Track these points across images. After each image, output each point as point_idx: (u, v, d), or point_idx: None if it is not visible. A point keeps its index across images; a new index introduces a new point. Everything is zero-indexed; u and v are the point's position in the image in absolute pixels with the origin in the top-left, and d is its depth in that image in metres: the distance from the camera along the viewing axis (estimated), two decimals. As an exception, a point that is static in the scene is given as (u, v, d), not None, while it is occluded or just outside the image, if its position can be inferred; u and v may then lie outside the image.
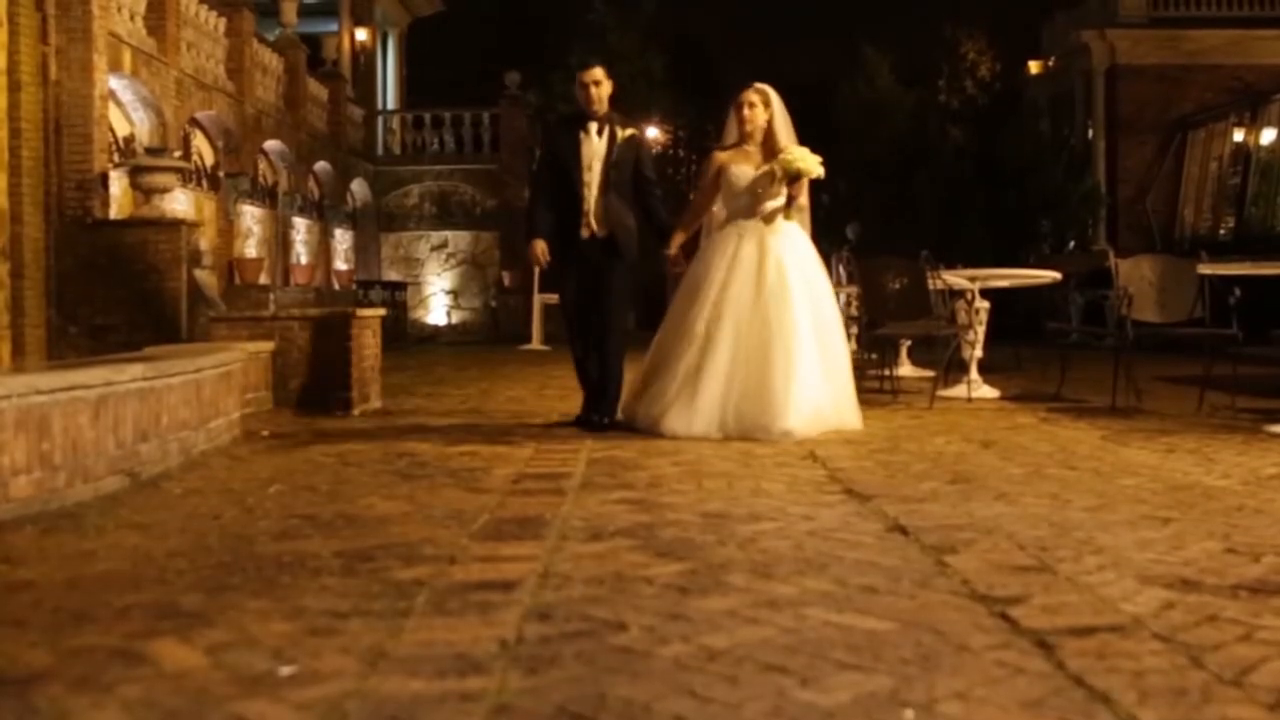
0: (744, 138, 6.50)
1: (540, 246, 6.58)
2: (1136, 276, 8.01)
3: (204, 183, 15.81)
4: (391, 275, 23.16)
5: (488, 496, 4.28)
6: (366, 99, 23.98)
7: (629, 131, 6.68)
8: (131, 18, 13.20)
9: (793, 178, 6.28)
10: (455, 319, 23.57)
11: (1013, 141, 23.23)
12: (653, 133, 24.70)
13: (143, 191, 11.68)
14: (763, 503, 4.13)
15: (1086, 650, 2.34)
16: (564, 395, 8.38)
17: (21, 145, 10.66)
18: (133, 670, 2.27)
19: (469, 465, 5.17)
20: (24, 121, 10.67)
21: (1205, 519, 3.79)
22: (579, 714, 2.02)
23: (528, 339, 18.36)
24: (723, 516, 3.86)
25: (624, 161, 6.58)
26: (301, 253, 19.50)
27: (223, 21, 16.08)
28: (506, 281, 22.46)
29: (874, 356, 9.57)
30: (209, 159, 16.22)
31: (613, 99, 6.69)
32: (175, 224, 11.28)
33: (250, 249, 17.08)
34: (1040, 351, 10.21)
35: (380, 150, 23.79)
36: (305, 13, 20.79)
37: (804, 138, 6.60)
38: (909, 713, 2.02)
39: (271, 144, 18.14)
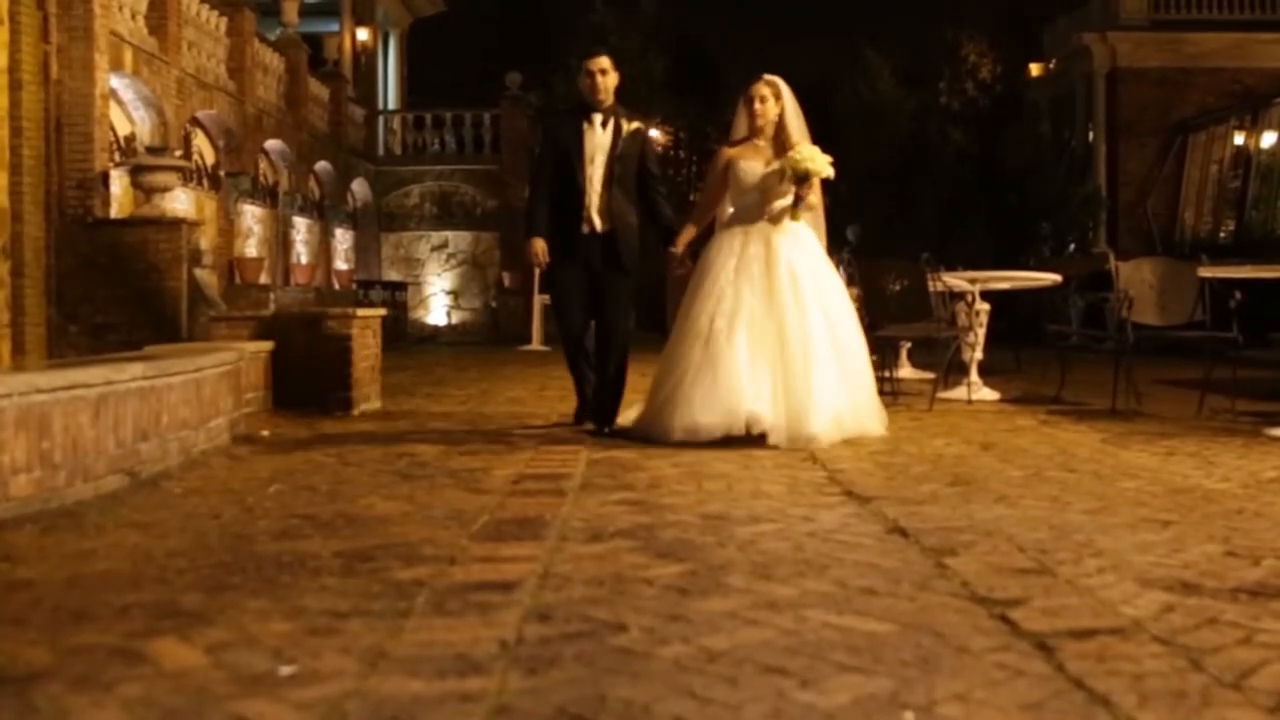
0: (754, 132, 6.23)
1: (539, 245, 6.38)
2: (1137, 279, 8.01)
3: (205, 182, 15.81)
4: (392, 275, 23.17)
5: (488, 497, 4.28)
6: (367, 99, 23.99)
7: (634, 125, 6.46)
8: (133, 17, 13.21)
9: (801, 178, 6.00)
10: (455, 319, 23.57)
11: (1013, 144, 23.25)
12: (653, 134, 24.71)
13: (143, 190, 11.69)
14: (763, 504, 4.13)
15: (1086, 653, 2.34)
16: (564, 396, 8.37)
17: (22, 144, 10.67)
18: (132, 669, 2.27)
19: (469, 466, 5.17)
20: (25, 120, 10.68)
21: (1205, 522, 3.79)
22: (579, 715, 2.02)
23: (528, 340, 18.37)
24: (723, 518, 3.86)
25: (628, 155, 6.37)
26: (302, 252, 19.51)
27: (224, 21, 16.09)
28: (507, 282, 22.47)
29: (874, 358, 9.56)
30: (210, 158, 16.22)
31: (617, 92, 6.48)
32: (176, 223, 11.29)
33: (251, 248, 17.09)
34: (1040, 354, 10.21)
35: (381, 150, 23.81)
36: (306, 12, 20.81)
37: (806, 138, 6.48)
38: (909, 715, 2.02)
39: (272, 143, 18.15)
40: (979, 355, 8.73)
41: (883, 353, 9.37)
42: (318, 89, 20.46)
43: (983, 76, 27.07)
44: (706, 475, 4.82)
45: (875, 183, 23.76)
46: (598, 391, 6.48)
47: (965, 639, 2.44)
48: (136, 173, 11.77)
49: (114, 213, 11.87)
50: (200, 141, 15.99)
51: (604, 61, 6.38)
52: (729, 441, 5.68)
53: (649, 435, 5.88)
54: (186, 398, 5.31)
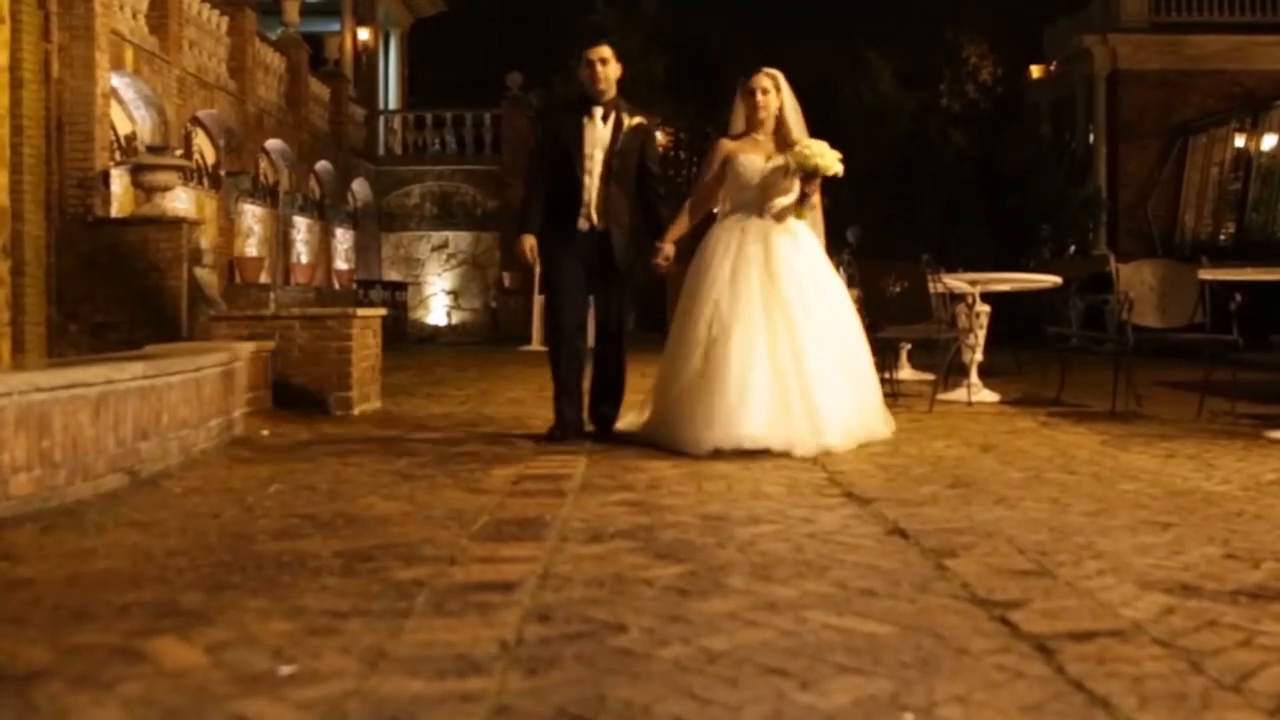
0: (755, 126, 5.96)
1: (529, 243, 6.11)
2: (1137, 281, 8.00)
3: (205, 181, 15.82)
4: (392, 275, 23.18)
5: (488, 497, 4.28)
6: (368, 99, 24.00)
7: (636, 119, 6.16)
8: (134, 16, 13.22)
9: (808, 174, 5.72)
10: (455, 319, 23.58)
11: (1014, 146, 23.24)
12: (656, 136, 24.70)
13: (144, 190, 11.70)
14: (762, 505, 4.13)
15: (1086, 655, 2.34)
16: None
17: (23, 143, 10.68)
18: (132, 668, 2.27)
19: (469, 466, 5.17)
20: (26, 119, 10.69)
21: (1205, 524, 3.79)
22: (579, 715, 2.02)
23: (528, 340, 18.35)
24: (722, 519, 3.86)
25: (628, 150, 6.09)
26: (302, 252, 19.51)
27: (225, 20, 16.10)
28: (507, 282, 22.47)
29: (874, 360, 9.56)
30: (210, 158, 16.23)
31: (619, 84, 6.21)
32: (176, 222, 11.30)
33: (251, 248, 17.09)
34: (1040, 356, 10.21)
35: (381, 150, 23.82)
36: (308, 12, 20.82)
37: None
38: (908, 716, 2.02)
39: (273, 143, 18.16)
40: (979, 357, 8.73)
41: (883, 354, 9.37)
42: (318, 88, 20.47)
43: (983, 78, 27.04)
44: (706, 476, 4.82)
45: (876, 184, 23.75)
46: (596, 395, 6.25)
47: (965, 641, 2.44)
48: (137, 172, 11.79)
49: (114, 212, 11.88)
50: (201, 141, 15.99)
51: (605, 51, 6.13)
52: (748, 454, 5.35)
53: (655, 441, 5.70)
54: (187, 397, 5.31)
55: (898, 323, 8.71)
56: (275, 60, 18.35)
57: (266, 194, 17.91)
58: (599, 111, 6.09)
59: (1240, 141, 21.53)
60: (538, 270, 6.85)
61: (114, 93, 12.58)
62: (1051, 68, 26.37)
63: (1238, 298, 7.21)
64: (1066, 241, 22.69)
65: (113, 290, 10.87)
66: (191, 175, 14.84)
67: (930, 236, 20.33)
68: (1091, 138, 23.95)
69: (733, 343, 5.53)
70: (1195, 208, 22.65)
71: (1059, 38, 25.71)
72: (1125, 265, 8.31)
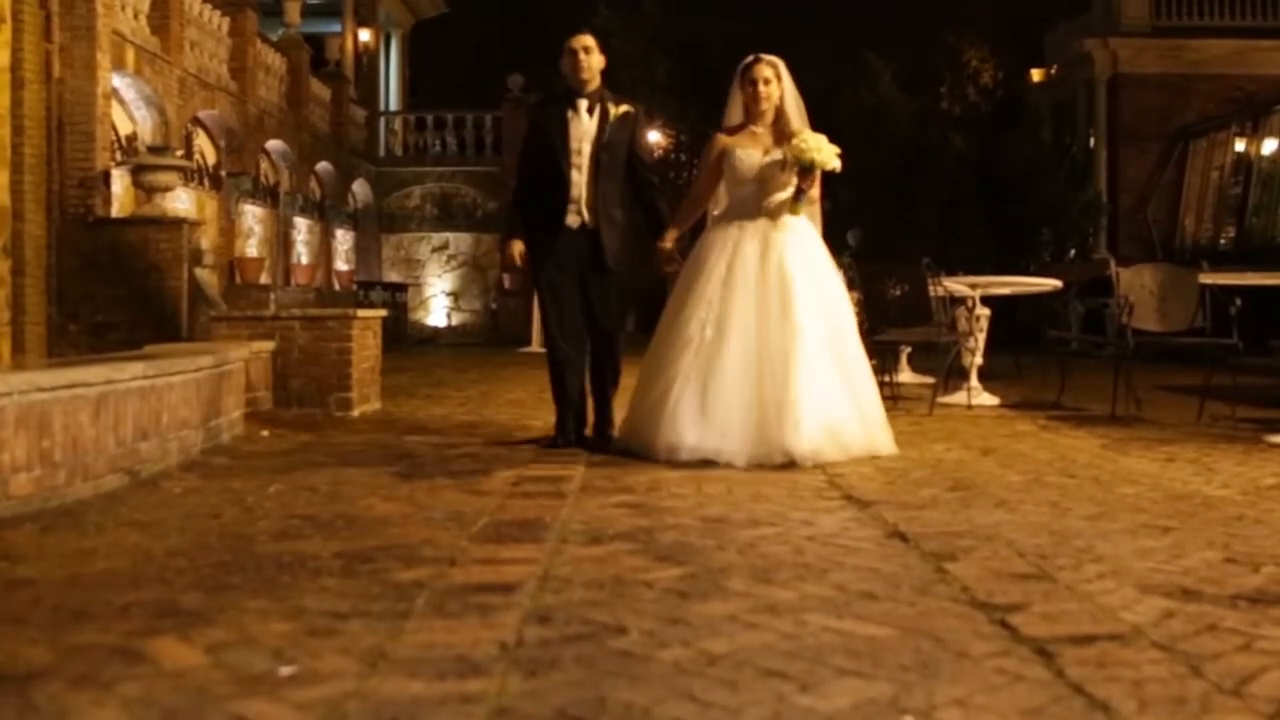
0: (754, 118, 5.69)
1: (518, 249, 5.93)
2: (1137, 285, 8.00)
3: (206, 182, 15.82)
4: (392, 276, 23.20)
5: (487, 499, 4.28)
6: (369, 100, 24.02)
7: (622, 108, 5.89)
8: (135, 16, 13.23)
9: (804, 169, 5.47)
10: (455, 321, 23.59)
11: (1014, 149, 23.25)
12: (655, 137, 24.72)
13: (145, 190, 11.71)
14: (762, 508, 4.13)
15: (1086, 658, 2.34)
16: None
17: (24, 142, 10.68)
18: (132, 668, 2.27)
19: (469, 467, 5.16)
20: (27, 119, 10.70)
21: (1205, 528, 3.79)
22: (579, 717, 2.02)
23: (528, 342, 18.34)
24: (722, 521, 3.86)
25: (617, 142, 5.84)
26: (302, 253, 19.52)
27: (226, 21, 16.11)
28: (507, 284, 22.48)
29: (873, 363, 9.57)
30: (211, 158, 16.24)
31: (604, 74, 5.95)
32: (177, 223, 11.31)
33: (251, 249, 17.10)
34: (1040, 359, 10.21)
35: (382, 151, 23.83)
36: (309, 13, 20.84)
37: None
38: (908, 719, 2.02)
39: (274, 144, 18.17)
40: (979, 360, 8.73)
41: (883, 357, 9.38)
42: (319, 89, 20.48)
43: (984, 81, 27.05)
44: (706, 478, 4.81)
45: (876, 187, 23.76)
46: (590, 402, 6.01)
47: (965, 644, 2.44)
48: (138, 172, 11.79)
49: (115, 212, 11.89)
50: (201, 141, 16.00)
51: (588, 39, 5.90)
52: (729, 464, 5.13)
53: (629, 447, 5.48)
54: (187, 397, 5.31)
55: (898, 325, 8.71)
56: (276, 61, 18.36)
57: (267, 195, 17.92)
58: (584, 103, 5.85)
59: (1241, 146, 21.52)
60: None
61: (115, 93, 12.58)
62: (1052, 71, 26.36)
63: (1238, 302, 7.21)
64: (1067, 245, 22.69)
65: (113, 290, 10.87)
66: (192, 176, 14.85)
67: (931, 239, 20.34)
68: (1092, 141, 23.94)
69: (724, 349, 5.29)
70: (1195, 212, 22.64)
71: (1060, 41, 25.71)
72: (1125, 269, 8.31)
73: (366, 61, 24.45)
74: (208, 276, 11.63)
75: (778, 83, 5.68)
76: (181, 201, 13.89)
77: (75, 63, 11.15)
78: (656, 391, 5.40)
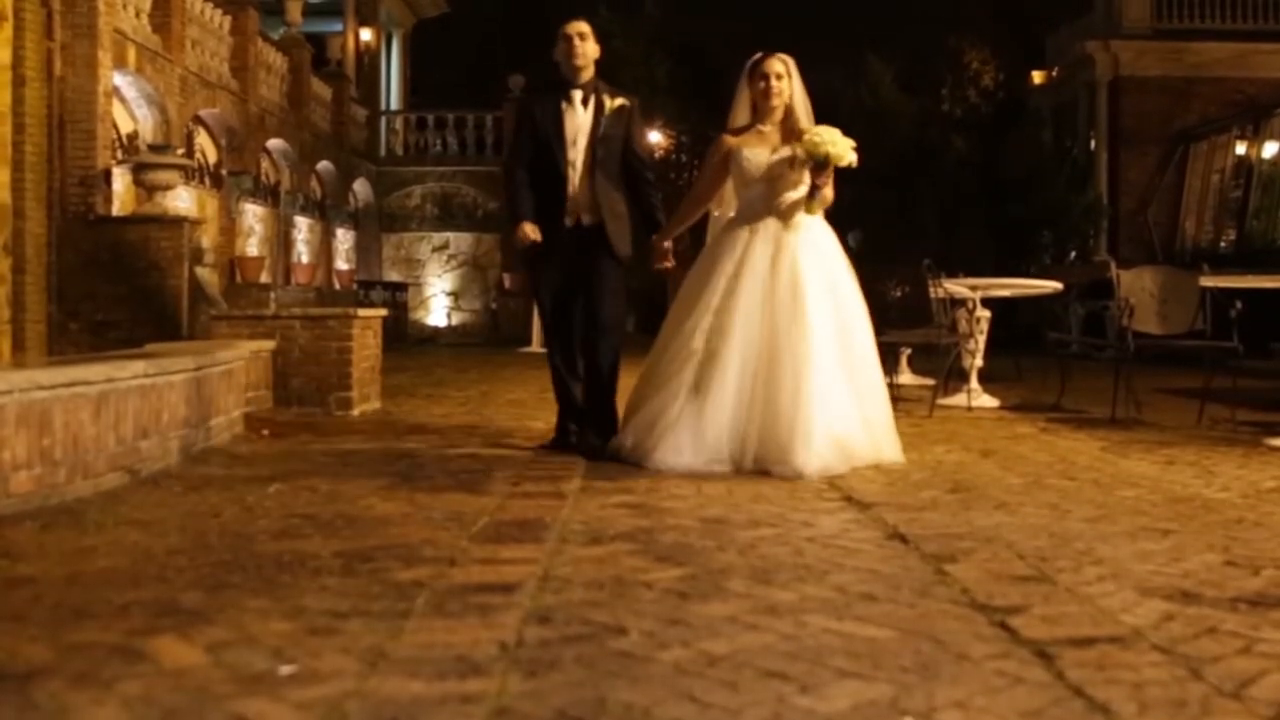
0: (763, 116, 5.45)
1: (529, 227, 5.59)
2: (1138, 288, 8.01)
3: (207, 181, 15.83)
4: (392, 276, 23.20)
5: (488, 499, 4.28)
6: (370, 99, 24.03)
7: (618, 101, 5.67)
8: (137, 15, 13.23)
9: (819, 164, 5.20)
10: (455, 320, 23.59)
11: (1015, 151, 23.24)
12: (656, 137, 24.73)
13: (145, 188, 11.71)
14: (762, 509, 4.13)
15: (1086, 661, 2.34)
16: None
17: (25, 141, 10.69)
18: (132, 667, 2.27)
19: (469, 467, 5.16)
20: (28, 117, 10.70)
21: (1205, 531, 3.79)
22: (579, 718, 2.02)
23: (528, 341, 18.35)
24: (722, 522, 3.86)
25: (612, 136, 5.62)
26: (303, 252, 19.52)
27: (228, 20, 16.12)
28: (507, 284, 22.49)
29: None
30: (212, 157, 16.24)
31: (600, 67, 5.78)
32: (177, 221, 11.31)
33: (252, 248, 17.10)
34: (1040, 361, 10.20)
35: (383, 151, 23.84)
36: (310, 12, 20.83)
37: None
38: (908, 721, 2.02)
39: (274, 143, 18.17)
40: (979, 362, 8.74)
41: (883, 358, 9.37)
42: (320, 89, 20.48)
43: (985, 84, 27.04)
44: (706, 479, 4.81)
45: (877, 188, 23.76)
46: (588, 405, 5.75)
47: (965, 646, 2.44)
48: (139, 170, 11.80)
49: (116, 210, 11.90)
50: (202, 140, 16.01)
51: (582, 26, 5.70)
52: (738, 473, 5.01)
53: (620, 455, 5.27)
54: (187, 396, 5.31)
55: (898, 327, 8.71)
56: (278, 60, 18.37)
57: (268, 194, 17.92)
58: (578, 95, 5.64)
59: (1241, 149, 21.52)
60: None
61: (116, 91, 12.59)
62: (1053, 73, 26.36)
63: (1238, 305, 7.22)
64: (1067, 247, 22.69)
65: (114, 289, 10.88)
66: (193, 174, 14.85)
67: (931, 241, 20.33)
68: (1093, 144, 23.94)
69: (726, 364, 5.09)
70: (1196, 215, 22.65)
71: (1061, 43, 25.71)
72: (1126, 272, 8.32)
73: (368, 61, 24.46)
74: (208, 275, 11.63)
75: (789, 79, 5.47)
76: (182, 200, 13.89)
77: (76, 61, 11.16)
78: (655, 404, 5.23)
